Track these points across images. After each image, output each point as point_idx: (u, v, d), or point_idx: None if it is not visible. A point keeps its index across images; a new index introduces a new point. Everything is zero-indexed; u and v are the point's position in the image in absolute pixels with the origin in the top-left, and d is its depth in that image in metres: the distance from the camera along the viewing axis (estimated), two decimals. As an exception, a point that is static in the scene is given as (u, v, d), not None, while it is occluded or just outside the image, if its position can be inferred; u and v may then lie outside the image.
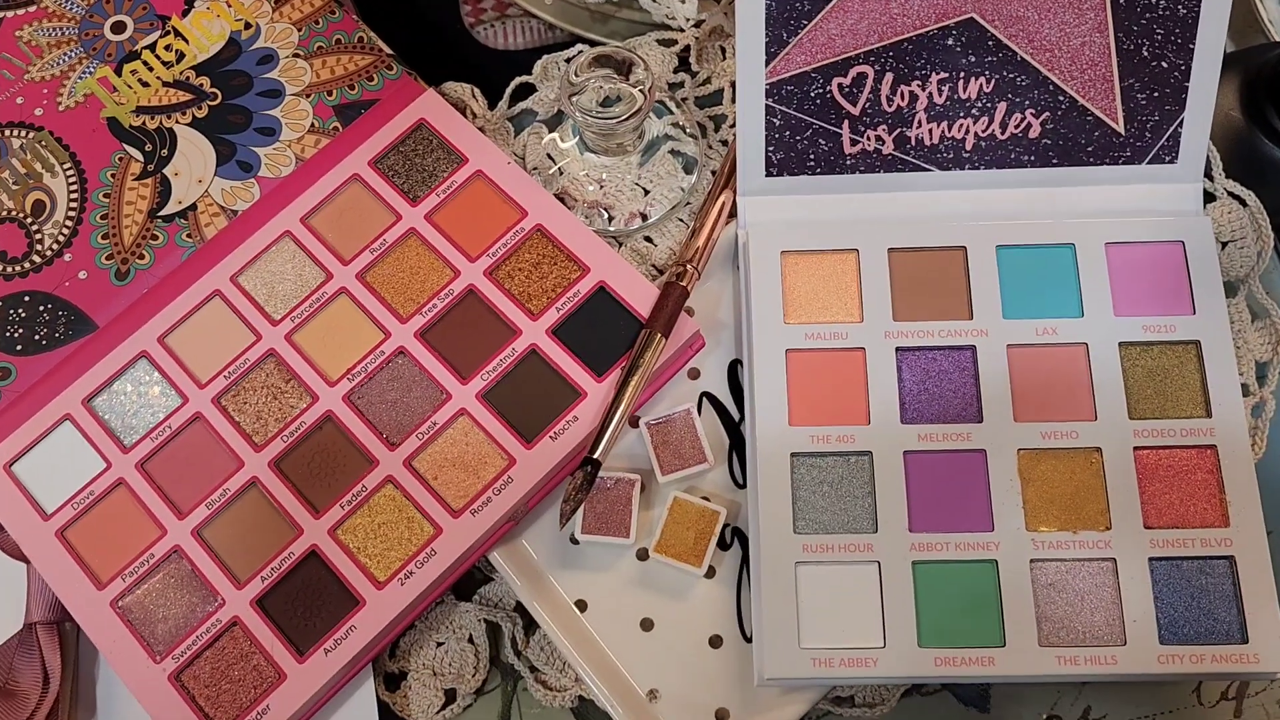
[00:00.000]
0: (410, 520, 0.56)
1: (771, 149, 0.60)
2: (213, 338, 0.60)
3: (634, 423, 0.60)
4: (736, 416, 0.60)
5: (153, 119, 0.64)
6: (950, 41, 0.57)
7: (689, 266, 0.59)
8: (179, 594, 0.55)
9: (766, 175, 0.60)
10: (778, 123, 0.59)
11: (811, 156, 0.60)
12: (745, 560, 0.58)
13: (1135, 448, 0.56)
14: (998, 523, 0.55)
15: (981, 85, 0.58)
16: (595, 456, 0.54)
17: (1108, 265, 0.59)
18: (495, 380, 0.58)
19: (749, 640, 0.57)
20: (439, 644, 0.59)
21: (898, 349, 0.58)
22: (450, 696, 0.58)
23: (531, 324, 0.59)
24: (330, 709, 0.56)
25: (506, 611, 0.59)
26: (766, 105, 0.59)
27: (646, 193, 0.65)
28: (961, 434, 0.56)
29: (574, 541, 0.58)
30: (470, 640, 0.59)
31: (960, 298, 0.59)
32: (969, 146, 0.60)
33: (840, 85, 0.59)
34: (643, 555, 0.58)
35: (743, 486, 0.59)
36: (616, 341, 0.58)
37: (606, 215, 0.65)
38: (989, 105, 0.59)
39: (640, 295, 0.59)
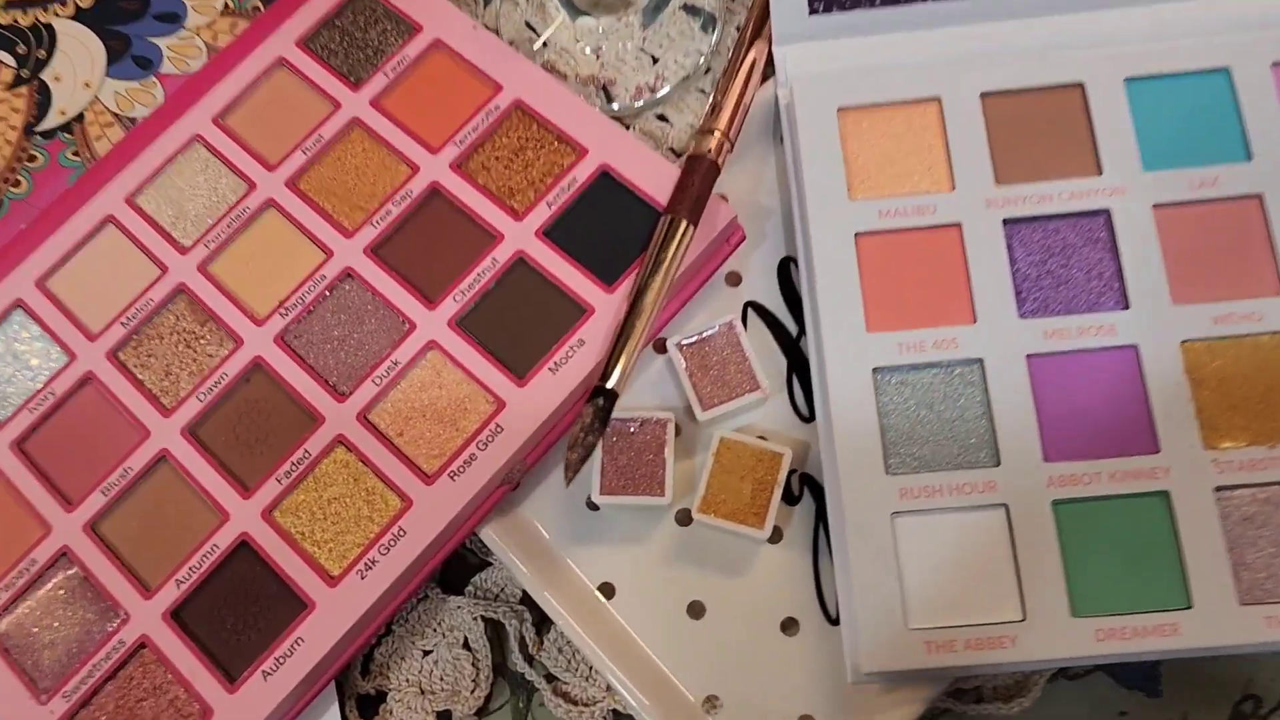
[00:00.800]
0: (370, 492, 0.42)
1: (816, -25, 0.45)
2: (106, 276, 0.46)
3: (660, 347, 0.45)
4: (794, 330, 0.46)
5: (25, 13, 0.50)
6: None
7: (718, 132, 0.44)
8: (69, 610, 0.41)
9: (810, 13, 0.46)
10: (822, -63, 0.45)
11: (869, -19, 0.45)
12: (821, 516, 0.43)
13: (1344, 326, 0.41)
14: (1164, 441, 0.40)
15: None
16: (610, 386, 0.39)
17: (1278, 90, 0.44)
18: (472, 301, 0.44)
19: (835, 623, 0.42)
20: (425, 653, 0.45)
21: (1005, 221, 0.43)
22: (444, 721, 0.44)
23: (516, 225, 0.44)
24: (282, 750, 0.42)
25: (510, 605, 0.45)
26: (806, -86, 0.44)
27: (655, 61, 0.51)
28: (1103, 326, 0.42)
29: (592, 507, 0.44)
30: (466, 645, 0.45)
31: (1082, 149, 0.44)
32: (1076, -48, 0.45)
33: (902, -121, 0.44)
34: (684, 519, 0.44)
35: (810, 420, 0.45)
36: (628, 239, 0.44)
37: (605, 93, 0.50)
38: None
39: (656, 178, 0.44)
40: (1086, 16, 0.46)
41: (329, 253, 0.45)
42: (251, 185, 0.47)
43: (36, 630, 0.41)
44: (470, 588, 0.45)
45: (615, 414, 0.43)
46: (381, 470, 0.42)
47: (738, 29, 0.51)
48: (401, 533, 0.41)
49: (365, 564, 0.41)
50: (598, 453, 0.43)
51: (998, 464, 0.41)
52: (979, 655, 0.39)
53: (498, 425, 0.42)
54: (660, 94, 0.50)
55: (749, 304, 0.46)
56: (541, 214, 0.45)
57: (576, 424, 0.39)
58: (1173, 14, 0.45)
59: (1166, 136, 0.44)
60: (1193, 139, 0.44)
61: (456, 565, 0.46)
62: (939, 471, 0.41)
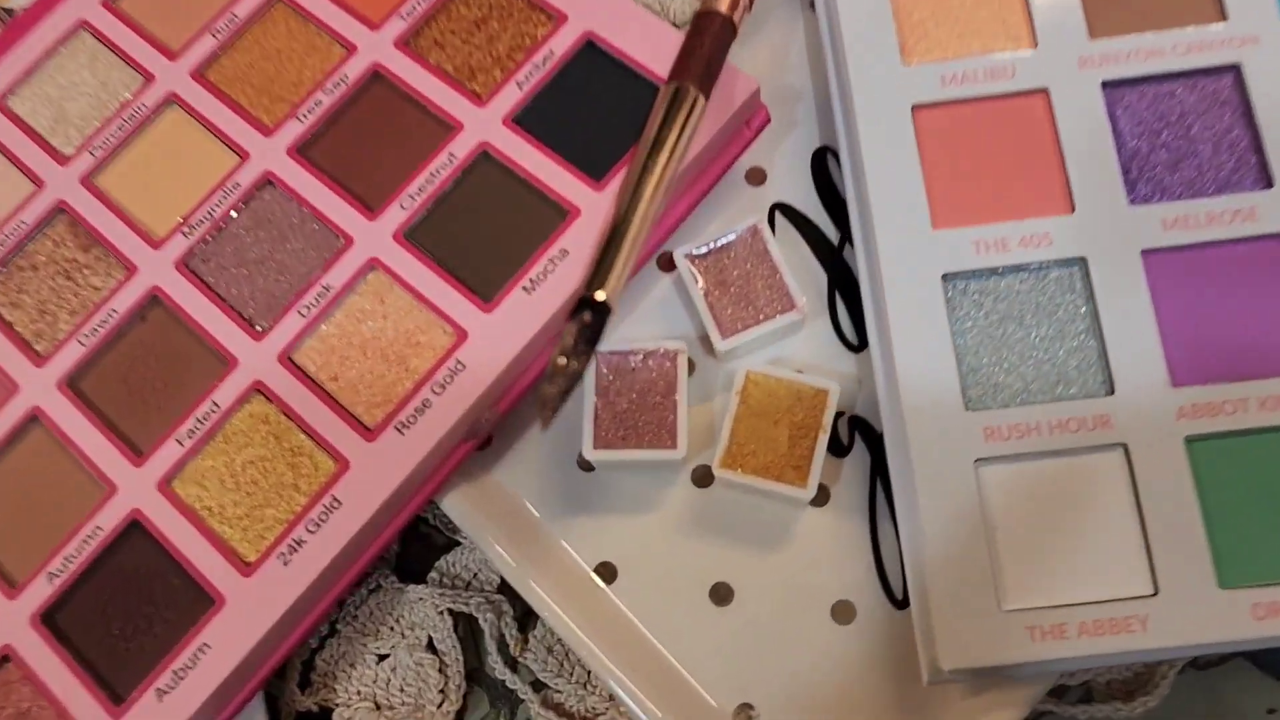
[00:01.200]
0: (295, 453, 0.32)
1: None
2: (-31, 197, 0.37)
3: (666, 263, 0.36)
4: (835, 237, 0.36)
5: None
6: None
7: (731, -16, 0.34)
8: (-85, 615, 0.32)
9: None
10: None
11: None
12: (879, 469, 0.34)
13: None
14: (1329, 355, 0.31)
15: None
16: (598, 297, 0.30)
17: None
18: (424, 208, 0.34)
19: (902, 607, 0.33)
20: (381, 658, 0.35)
21: (1105, 84, 0.34)
22: (405, 744, 0.35)
23: (478, 112, 0.35)
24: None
25: (486, 595, 0.35)
26: None
27: (651, -79, 0.41)
28: (1238, 210, 0.32)
29: (585, 466, 0.35)
30: (431, 648, 0.35)
31: (1199, -10, 0.34)
32: None
33: None
34: (703, 477, 0.34)
35: (860, 348, 0.35)
36: (621, 124, 0.34)
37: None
38: None
39: (654, 46, 0.35)
40: None
41: (244, 155, 0.36)
42: (149, 78, 0.37)
43: None
44: (434, 574, 0.36)
45: (612, 346, 0.33)
46: (310, 425, 0.32)
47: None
48: (336, 504, 0.31)
49: (289, 545, 0.31)
50: (589, 397, 0.33)
51: (1111, 392, 0.31)
52: (1099, 643, 0.29)
53: (458, 362, 0.32)
54: (657, -40, 0.41)
55: (777, 206, 0.37)
56: (510, 97, 0.35)
57: (555, 349, 0.29)
58: None
59: (1310, -31, 0.34)
60: (1343, -29, 0.34)
61: (416, 546, 0.36)
62: (1034, 405, 0.31)
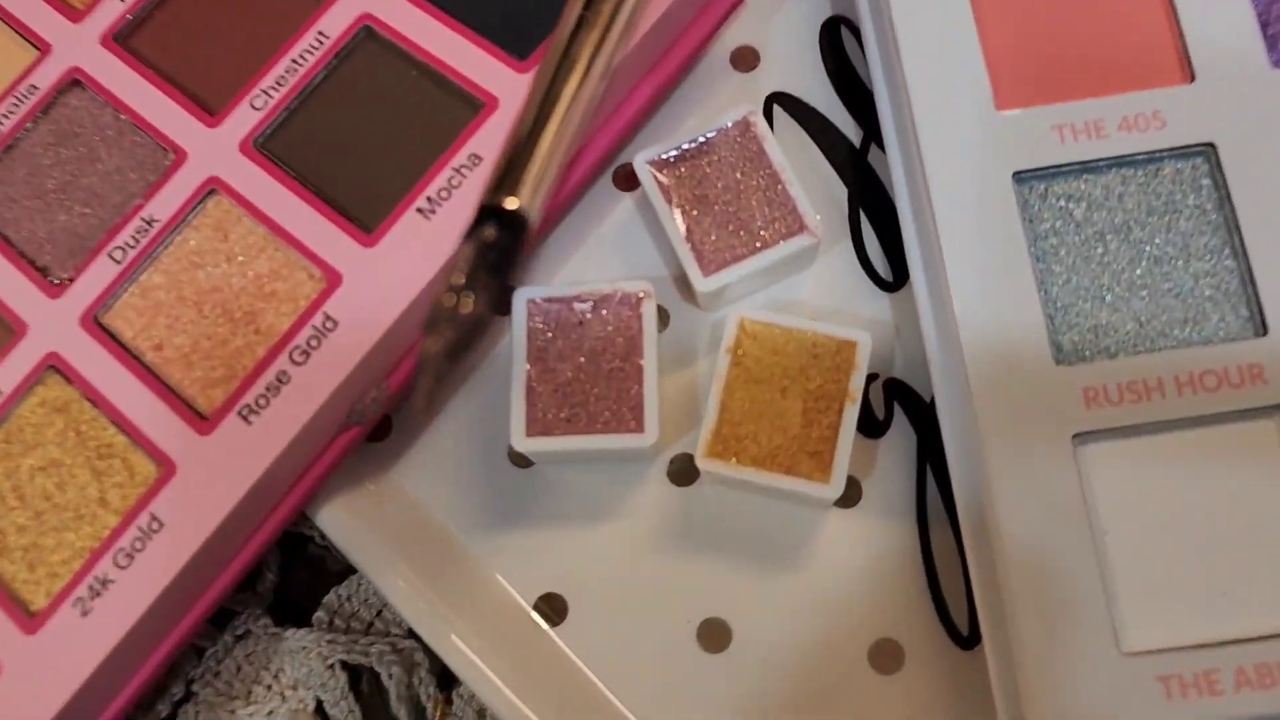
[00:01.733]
0: (103, 454, 0.23)
1: None
2: None
3: (624, 178, 0.26)
4: (855, 138, 0.27)
5: None
6: None
7: None
8: None
9: None
10: None
11: None
12: (930, 453, 0.24)
13: None
14: None
15: None
16: (514, 206, 0.20)
17: None
18: (283, 106, 0.25)
19: (970, 646, 0.23)
20: (252, 730, 0.26)
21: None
22: (288, 847, 0.25)
23: (358, -26, 0.25)
24: None
25: (392, 642, 0.26)
26: None
27: None
28: None
29: (518, 462, 0.25)
30: (320, 713, 0.26)
31: None
32: None
33: None
34: (683, 472, 0.25)
35: (896, 286, 0.25)
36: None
37: None
38: None
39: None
40: None
41: (44, 48, 0.26)
42: (-84, -49, 0.28)
43: None
44: (322, 613, 0.26)
45: (550, 291, 0.24)
46: (123, 414, 0.23)
47: None
48: (156, 526, 0.22)
49: (90, 587, 0.22)
50: (518, 364, 0.24)
51: (1263, 331, 0.22)
52: (1268, 699, 0.20)
53: (328, 317, 0.23)
54: None
55: (775, 97, 0.27)
56: (401, -50, 0.25)
57: (442, 281, 0.19)
58: None
59: None
60: None
61: (301, 574, 0.27)
62: (1153, 353, 0.22)
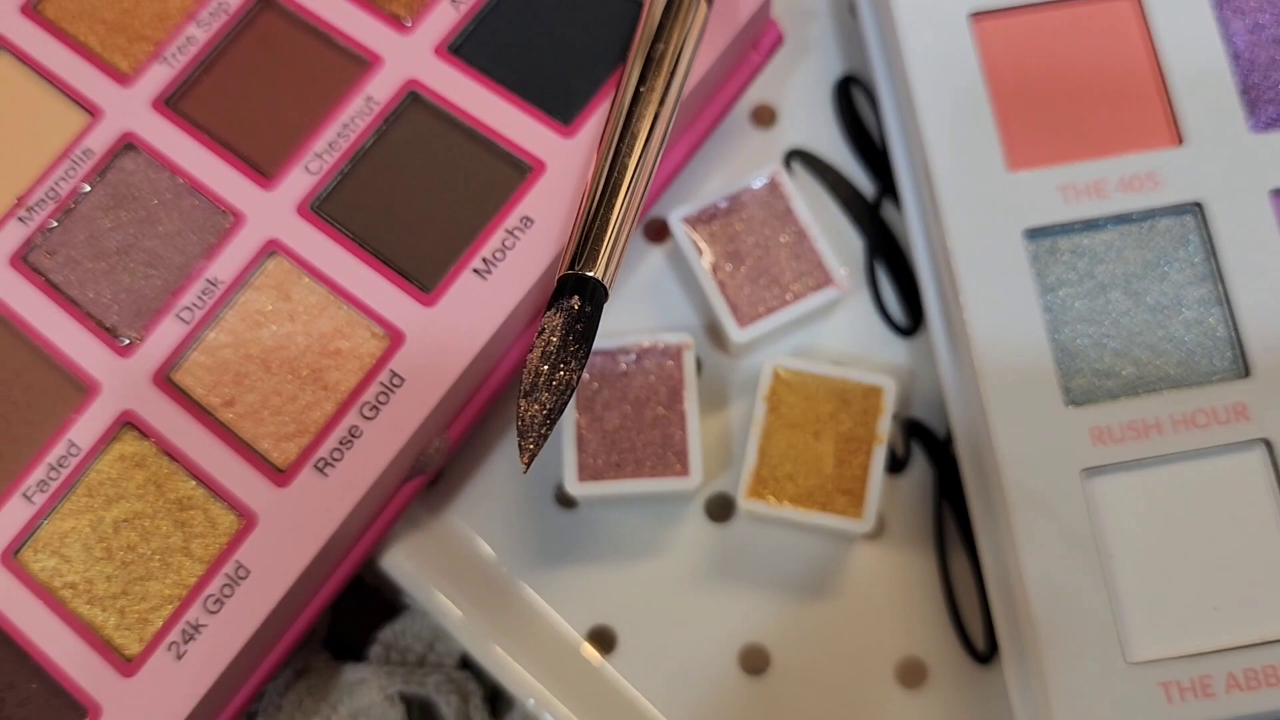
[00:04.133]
0: (184, 505, 0.24)
1: None
2: None
3: (656, 232, 0.28)
4: (870, 191, 0.29)
5: None
6: None
7: None
8: None
9: None
10: None
11: None
12: (949, 491, 0.26)
13: None
14: None
15: None
16: (595, 274, 0.21)
17: None
18: (336, 170, 0.26)
19: (987, 660, 0.25)
20: (312, 760, 0.27)
21: (1210, -24, 0.26)
22: None
23: (403, 41, 0.27)
24: None
25: (446, 673, 0.27)
26: None
27: None
28: (1397, 133, 0.25)
29: (567, 504, 0.27)
30: (377, 742, 0.27)
31: None
32: None
33: None
34: (722, 510, 0.27)
35: (912, 331, 0.28)
36: (592, 47, 0.26)
37: None
38: None
39: (631, -53, 0.27)
40: None
41: (96, 113, 0.27)
42: (-35, 17, 0.28)
43: None
44: (378, 647, 0.28)
45: (598, 344, 0.26)
46: (201, 468, 0.24)
47: None
48: (243, 573, 0.23)
49: (183, 632, 0.23)
50: (568, 413, 0.25)
51: (1246, 373, 0.24)
52: (1258, 699, 0.22)
53: (394, 375, 0.24)
54: None
55: (792, 153, 0.29)
56: (444, 18, 0.27)
57: (535, 350, 0.21)
58: None
59: None
60: None
61: (353, 611, 0.28)
62: (1152, 394, 0.24)
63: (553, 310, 0.21)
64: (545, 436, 0.20)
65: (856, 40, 0.29)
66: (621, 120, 0.23)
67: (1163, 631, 0.23)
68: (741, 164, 0.29)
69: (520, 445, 0.20)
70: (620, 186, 0.22)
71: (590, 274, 0.21)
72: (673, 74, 0.23)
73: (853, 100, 0.29)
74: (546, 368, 0.20)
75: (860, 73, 0.30)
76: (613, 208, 0.22)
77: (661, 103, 0.23)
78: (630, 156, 0.22)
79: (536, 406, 0.20)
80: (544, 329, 0.21)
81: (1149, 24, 0.26)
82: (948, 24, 0.26)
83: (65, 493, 0.25)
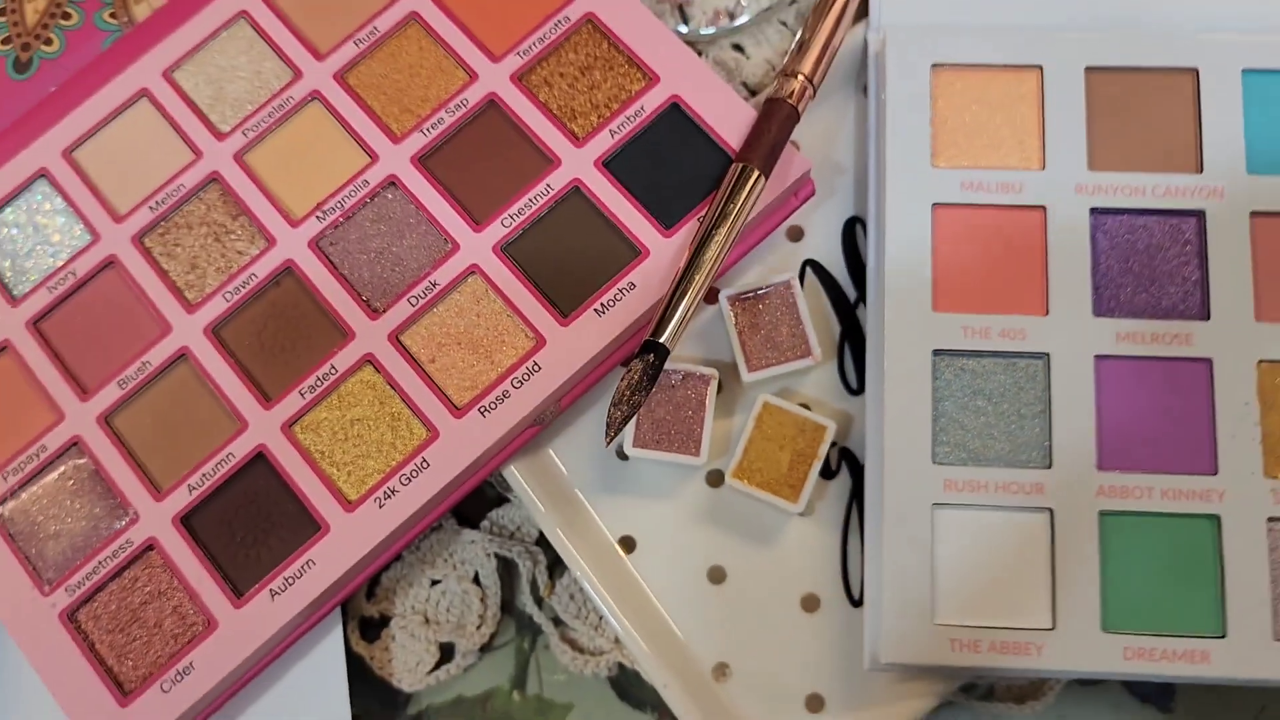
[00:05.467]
0: (395, 418, 0.40)
1: (927, -85, 0.42)
2: (136, 154, 0.44)
3: (710, 298, 0.43)
4: (852, 296, 0.44)
5: None
6: None
7: (801, 76, 0.41)
8: (77, 502, 0.40)
9: (915, -45, 0.42)
10: (941, -126, 0.41)
11: (984, -72, 0.42)
12: (857, 494, 0.42)
13: None
14: (1223, 463, 0.39)
15: None
16: (662, 340, 0.37)
17: (1405, 103, 0.41)
18: (521, 227, 0.41)
19: (857, 605, 0.41)
20: (434, 583, 0.44)
21: (1093, 210, 0.41)
22: (447, 653, 0.43)
23: (575, 151, 0.42)
24: (282, 664, 0.41)
25: (526, 545, 0.44)
26: None
27: (738, -17, 0.47)
28: (1179, 334, 0.40)
29: (622, 457, 0.43)
30: (476, 580, 0.44)
31: (1185, 141, 0.41)
32: (1213, -77, 0.41)
33: None
34: (716, 481, 0.42)
35: (858, 393, 0.43)
36: (692, 181, 0.41)
37: (680, 12, 0.47)
38: None
39: (730, 118, 0.41)
40: (1210, -4, 0.42)
41: (374, 157, 0.43)
42: (298, 74, 0.44)
43: (42, 519, 0.40)
44: (486, 523, 0.44)
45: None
46: (409, 396, 0.40)
47: (830, -41, 0.48)
48: (425, 464, 0.39)
49: (385, 492, 0.39)
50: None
51: (1049, 466, 0.39)
52: (1004, 659, 0.38)
53: (535, 364, 0.40)
54: (739, 21, 0.47)
55: (808, 262, 0.44)
56: (603, 142, 0.42)
57: (623, 379, 0.37)
58: (1306, 5, 0.42)
59: (1278, 139, 0.41)
60: (1306, 144, 0.41)
61: (474, 498, 0.44)
62: (987, 467, 0.39)
63: (638, 359, 0.36)
64: (621, 429, 0.36)
65: (865, 195, 0.44)
66: (699, 240, 0.38)
67: (959, 609, 0.39)
68: (776, 264, 0.44)
69: (607, 430, 0.36)
70: (693, 283, 0.38)
71: (661, 340, 0.37)
72: (734, 223, 0.38)
73: (854, 234, 0.44)
74: (629, 393, 0.36)
75: (863, 216, 0.44)
76: (684, 295, 0.38)
77: (724, 242, 0.38)
78: (698, 271, 0.38)
79: (618, 412, 0.36)
80: (632, 369, 0.36)
81: (1047, 230, 0.41)
82: (918, 210, 0.41)
83: (325, 396, 0.40)
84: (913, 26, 0.43)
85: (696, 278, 0.38)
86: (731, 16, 0.47)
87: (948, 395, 0.40)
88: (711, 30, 0.47)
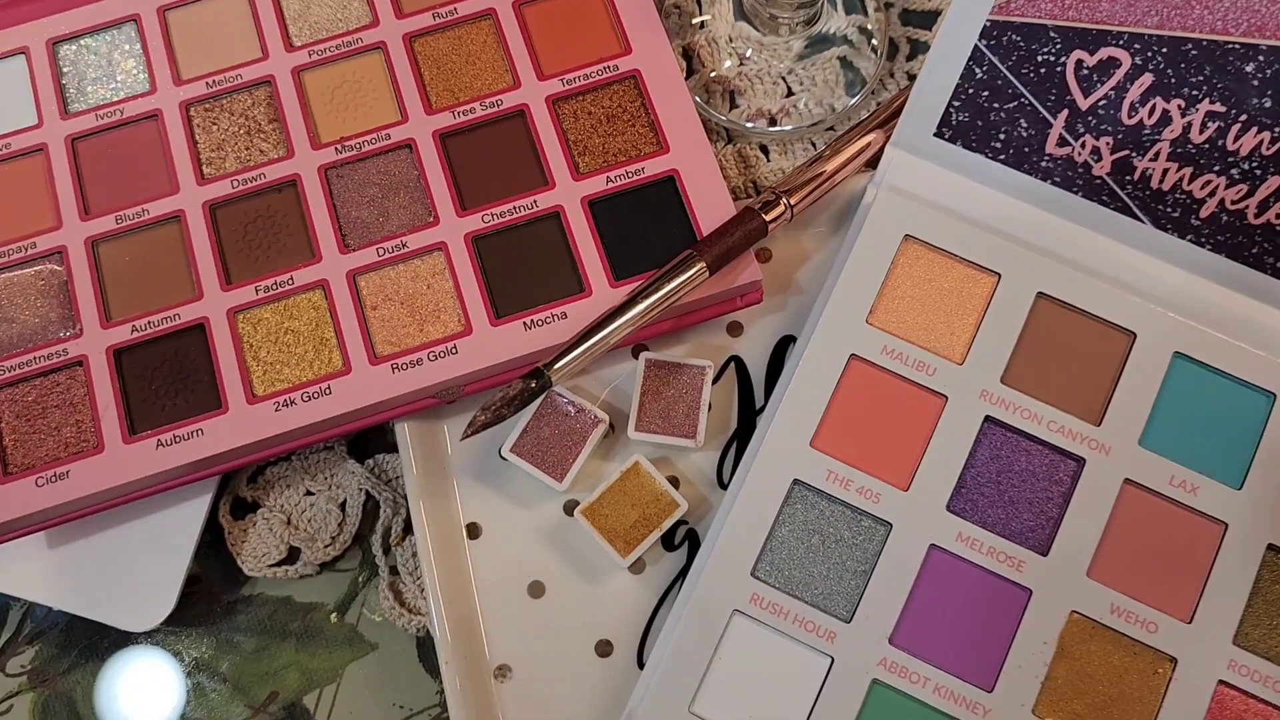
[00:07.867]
0: (322, 342, 0.44)
1: (957, 104, 0.45)
2: (217, 33, 0.49)
3: (636, 352, 0.47)
4: (759, 403, 0.47)
5: None
6: (1251, 69, 0.41)
7: (784, 200, 0.45)
8: (40, 301, 0.45)
9: (935, 134, 0.45)
10: (980, 75, 0.44)
11: (1001, 136, 0.45)
12: (684, 573, 0.45)
13: (1221, 681, 0.41)
14: (1002, 686, 0.41)
15: (1263, 143, 0.42)
16: (549, 373, 0.41)
17: (1308, 441, 0.43)
18: (497, 228, 0.45)
19: (641, 666, 0.45)
20: (308, 493, 0.48)
21: (988, 418, 0.44)
22: (293, 556, 0.48)
23: (571, 183, 0.46)
24: (148, 505, 0.46)
25: (396, 494, 0.48)
26: (976, 47, 0.43)
27: (790, 93, 0.51)
28: (1013, 558, 0.42)
29: (502, 457, 0.46)
30: (342, 506, 0.48)
31: (1097, 391, 0.44)
32: (1204, 214, 0.44)
33: (1080, 63, 0.43)
34: (570, 508, 0.46)
35: (724, 488, 0.46)
36: (656, 249, 0.45)
37: (730, 99, 0.51)
38: (1259, 174, 0.42)
39: (712, 206, 0.45)
40: (1178, 274, 0.45)
41: (405, 117, 0.47)
42: (375, 21, 0.48)
43: (5, 303, 0.45)
44: (371, 461, 0.49)
45: (561, 393, 0.45)
46: (342, 329, 0.44)
47: (879, 103, 0.51)
48: (327, 391, 0.44)
49: (285, 400, 0.44)
50: (531, 408, 0.45)
51: (849, 621, 0.42)
52: (734, 766, 0.41)
53: (455, 346, 0.44)
54: (777, 128, 0.50)
55: (734, 358, 0.47)
56: (597, 184, 0.46)
57: (501, 391, 0.41)
58: (1258, 319, 0.44)
59: (1179, 424, 0.43)
60: (1201, 440, 0.43)
61: (371, 436, 0.49)
62: (797, 598, 0.42)
63: (521, 380, 0.40)
64: (479, 431, 0.40)
65: (806, 316, 0.47)
66: (625, 301, 0.42)
67: (716, 706, 0.41)
68: (707, 348, 0.47)
69: (467, 426, 0.40)
70: (592, 338, 0.42)
71: (548, 371, 0.41)
72: (660, 301, 0.42)
73: (784, 350, 0.47)
74: (499, 405, 0.40)
75: (796, 336, 0.48)
76: (585, 341, 0.41)
77: (643, 314, 0.42)
78: (606, 327, 0.41)
79: (483, 417, 0.40)
80: (513, 385, 0.40)
81: (940, 418, 0.44)
82: (836, 354, 0.44)
83: (274, 300, 0.45)
84: (907, 194, 0.46)
85: (604, 331, 0.42)
86: (773, 121, 0.51)
87: (789, 522, 0.43)
88: (752, 125, 0.51)
